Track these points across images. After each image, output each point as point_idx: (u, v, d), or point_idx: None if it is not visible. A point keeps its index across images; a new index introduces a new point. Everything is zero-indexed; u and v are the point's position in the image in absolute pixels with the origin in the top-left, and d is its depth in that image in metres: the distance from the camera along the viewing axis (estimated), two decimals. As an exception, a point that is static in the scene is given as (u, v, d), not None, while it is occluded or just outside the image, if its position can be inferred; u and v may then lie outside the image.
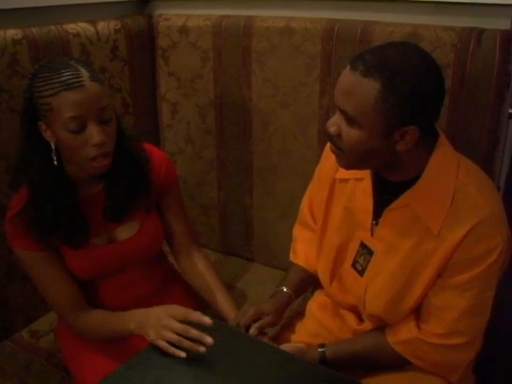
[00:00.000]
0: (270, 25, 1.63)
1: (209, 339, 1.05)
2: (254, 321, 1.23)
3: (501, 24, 1.34)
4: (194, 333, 1.07)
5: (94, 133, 1.08)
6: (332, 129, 1.03)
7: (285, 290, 1.32)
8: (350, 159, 1.05)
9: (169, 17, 1.86)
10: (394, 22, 1.45)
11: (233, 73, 1.75)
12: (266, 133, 1.75)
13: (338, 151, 1.06)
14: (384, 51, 0.97)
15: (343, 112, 1.00)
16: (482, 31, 1.32)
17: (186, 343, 1.06)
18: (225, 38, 1.73)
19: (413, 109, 0.95)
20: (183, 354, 1.05)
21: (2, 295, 1.59)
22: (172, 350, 1.06)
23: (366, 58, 0.96)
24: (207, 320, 1.08)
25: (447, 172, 1.04)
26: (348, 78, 0.98)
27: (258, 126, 1.76)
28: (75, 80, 1.05)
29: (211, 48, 1.77)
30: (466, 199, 1.02)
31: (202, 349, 1.05)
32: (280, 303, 1.30)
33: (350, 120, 0.99)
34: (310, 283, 1.40)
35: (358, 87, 0.96)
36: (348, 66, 0.99)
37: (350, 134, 1.00)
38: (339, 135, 1.03)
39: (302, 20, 1.59)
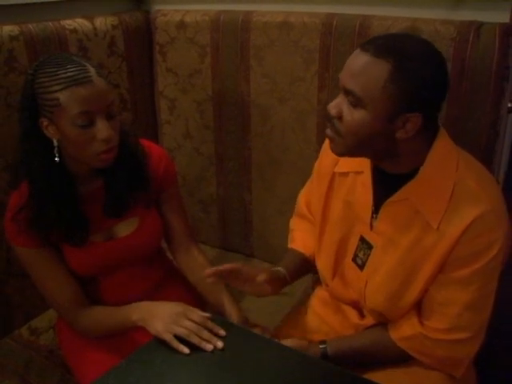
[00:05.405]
0: (268, 20, 1.63)
1: (220, 343, 1.06)
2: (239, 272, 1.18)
3: (500, 17, 1.33)
4: (206, 334, 1.08)
5: (102, 128, 1.08)
6: (333, 110, 1.02)
7: (280, 269, 1.29)
8: (347, 144, 1.03)
9: (166, 12, 1.85)
10: (392, 15, 1.45)
11: (231, 68, 1.75)
12: (264, 128, 1.75)
13: (336, 136, 1.04)
14: (394, 36, 1.01)
15: (349, 92, 0.99)
16: (481, 24, 1.31)
17: (195, 338, 1.06)
18: (223, 33, 1.72)
19: (420, 95, 0.95)
20: (186, 350, 1.05)
21: (2, 292, 1.59)
22: (176, 343, 1.06)
23: (377, 41, 0.97)
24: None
25: (447, 165, 1.04)
26: (359, 58, 0.98)
27: (257, 121, 1.76)
28: (84, 75, 1.05)
29: (209, 43, 1.76)
30: (466, 193, 1.01)
31: (210, 346, 1.05)
32: (276, 275, 1.25)
33: (356, 100, 0.98)
34: (306, 268, 1.36)
35: (368, 67, 0.96)
36: (358, 49, 0.99)
37: (354, 115, 0.99)
38: (340, 117, 1.01)
39: (300, 15, 1.58)
